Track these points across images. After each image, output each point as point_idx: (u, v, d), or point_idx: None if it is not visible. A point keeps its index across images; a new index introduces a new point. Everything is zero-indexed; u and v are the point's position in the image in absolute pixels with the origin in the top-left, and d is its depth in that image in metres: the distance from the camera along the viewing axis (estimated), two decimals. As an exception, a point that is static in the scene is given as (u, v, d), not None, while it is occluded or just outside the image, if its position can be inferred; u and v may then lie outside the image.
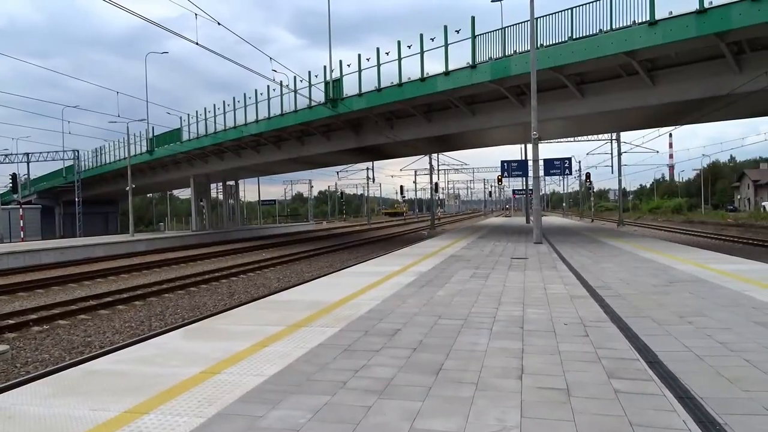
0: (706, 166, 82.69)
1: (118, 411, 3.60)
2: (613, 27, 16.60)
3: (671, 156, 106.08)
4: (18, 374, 7.82)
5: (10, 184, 44.34)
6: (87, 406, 3.70)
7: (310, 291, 8.90)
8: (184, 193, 68.49)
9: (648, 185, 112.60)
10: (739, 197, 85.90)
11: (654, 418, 3.27)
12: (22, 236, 39.68)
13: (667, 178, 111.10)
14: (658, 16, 15.51)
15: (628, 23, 16.27)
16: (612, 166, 46.82)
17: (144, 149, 38.63)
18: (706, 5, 14.64)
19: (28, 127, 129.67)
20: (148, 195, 78.12)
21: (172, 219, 64.64)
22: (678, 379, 3.96)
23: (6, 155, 46.37)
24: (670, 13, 15.39)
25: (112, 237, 36.94)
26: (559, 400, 3.61)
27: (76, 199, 46.01)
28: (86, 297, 14.03)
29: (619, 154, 44.80)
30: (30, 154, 47.13)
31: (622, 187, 49.17)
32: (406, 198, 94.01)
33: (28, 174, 51.38)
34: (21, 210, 41.57)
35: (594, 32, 17.04)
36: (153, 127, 37.97)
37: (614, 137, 45.36)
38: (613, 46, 16.47)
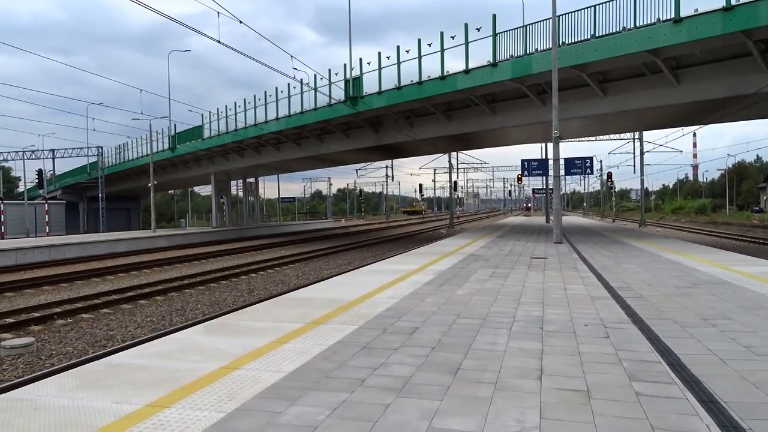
0: (731, 166, 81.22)
1: (140, 404, 3.66)
2: (637, 25, 16.37)
3: (695, 156, 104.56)
4: (43, 366, 7.98)
5: (37, 180, 45.29)
6: (110, 399, 3.77)
7: (329, 288, 8.93)
8: (205, 190, 69.16)
9: (671, 185, 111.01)
10: (765, 198, 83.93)
11: (676, 422, 3.22)
12: (47, 231, 40.47)
13: (691, 178, 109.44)
14: (683, 14, 15.25)
15: (653, 21, 16.03)
16: (634, 166, 46.23)
17: (166, 146, 39.14)
18: (733, 2, 14.35)
19: (54, 124, 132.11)
20: (169, 191, 79.15)
21: (192, 215, 65.28)
22: (701, 382, 3.90)
23: (32, 151, 47.30)
24: (696, 10, 15.13)
25: (134, 233, 37.48)
26: (579, 401, 3.58)
27: (100, 195, 46.76)
28: (109, 291, 14.26)
29: (642, 153, 44.20)
30: (55, 151, 48.09)
31: (645, 187, 48.52)
32: (425, 196, 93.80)
33: (54, 170, 52.65)
34: (46, 205, 42.40)
35: (617, 30, 16.82)
36: (175, 125, 38.57)
37: (637, 136, 44.77)
38: (637, 44, 16.24)
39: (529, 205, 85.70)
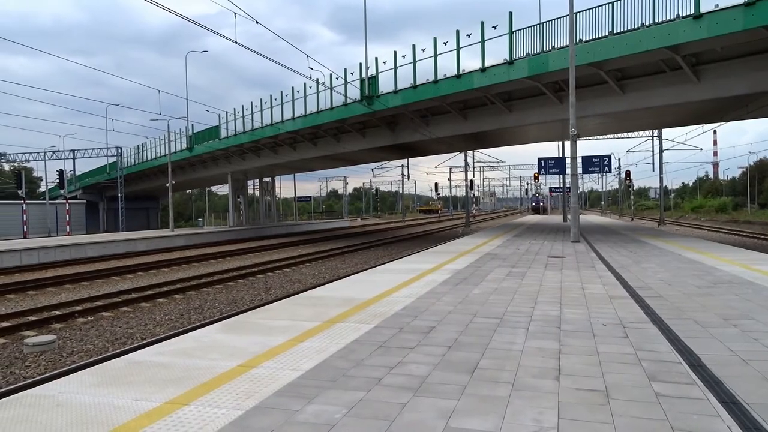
0: (752, 163, 79.77)
1: (159, 401, 3.71)
2: (656, 21, 16.15)
3: (715, 153, 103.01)
4: (64, 363, 8.11)
5: (57, 180, 46.02)
6: (130, 396, 3.82)
7: (345, 287, 8.95)
8: (222, 190, 69.79)
9: (690, 183, 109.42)
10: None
11: (697, 423, 3.18)
12: (68, 230, 41.11)
13: (711, 176, 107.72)
14: (703, 9, 15.02)
15: (672, 17, 15.81)
16: (653, 164, 45.88)
17: (184, 146, 39.52)
18: (755, -3, 14.11)
19: (74, 125, 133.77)
20: (187, 191, 79.94)
21: (210, 215, 65.92)
22: (722, 383, 3.85)
23: (53, 152, 48.07)
24: (716, 6, 14.89)
25: (153, 232, 37.91)
26: (597, 402, 3.55)
27: (119, 195, 47.38)
28: (128, 290, 14.43)
29: (661, 151, 43.69)
30: (75, 151, 48.84)
31: (664, 185, 47.89)
32: (441, 195, 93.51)
33: (74, 170, 53.47)
34: (67, 205, 43.07)
35: (636, 26, 16.61)
36: (192, 125, 38.89)
37: (655, 134, 44.24)
38: (656, 41, 16.03)
39: (542, 203, 77.72)
